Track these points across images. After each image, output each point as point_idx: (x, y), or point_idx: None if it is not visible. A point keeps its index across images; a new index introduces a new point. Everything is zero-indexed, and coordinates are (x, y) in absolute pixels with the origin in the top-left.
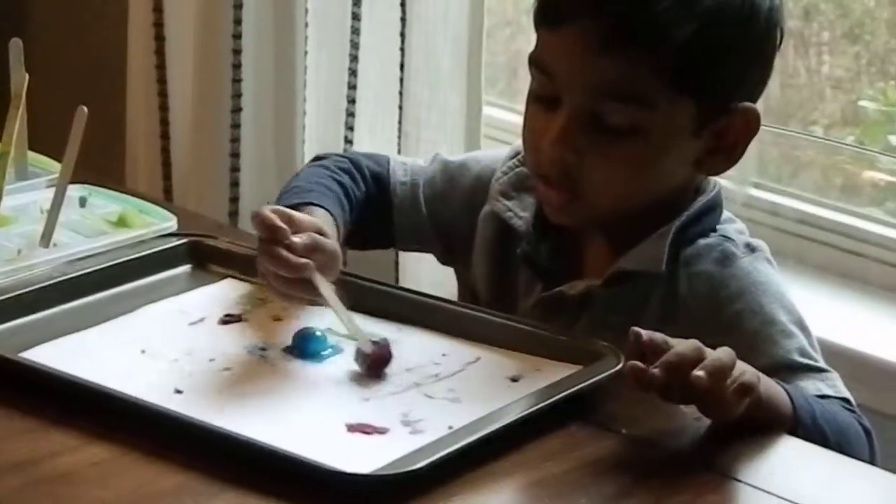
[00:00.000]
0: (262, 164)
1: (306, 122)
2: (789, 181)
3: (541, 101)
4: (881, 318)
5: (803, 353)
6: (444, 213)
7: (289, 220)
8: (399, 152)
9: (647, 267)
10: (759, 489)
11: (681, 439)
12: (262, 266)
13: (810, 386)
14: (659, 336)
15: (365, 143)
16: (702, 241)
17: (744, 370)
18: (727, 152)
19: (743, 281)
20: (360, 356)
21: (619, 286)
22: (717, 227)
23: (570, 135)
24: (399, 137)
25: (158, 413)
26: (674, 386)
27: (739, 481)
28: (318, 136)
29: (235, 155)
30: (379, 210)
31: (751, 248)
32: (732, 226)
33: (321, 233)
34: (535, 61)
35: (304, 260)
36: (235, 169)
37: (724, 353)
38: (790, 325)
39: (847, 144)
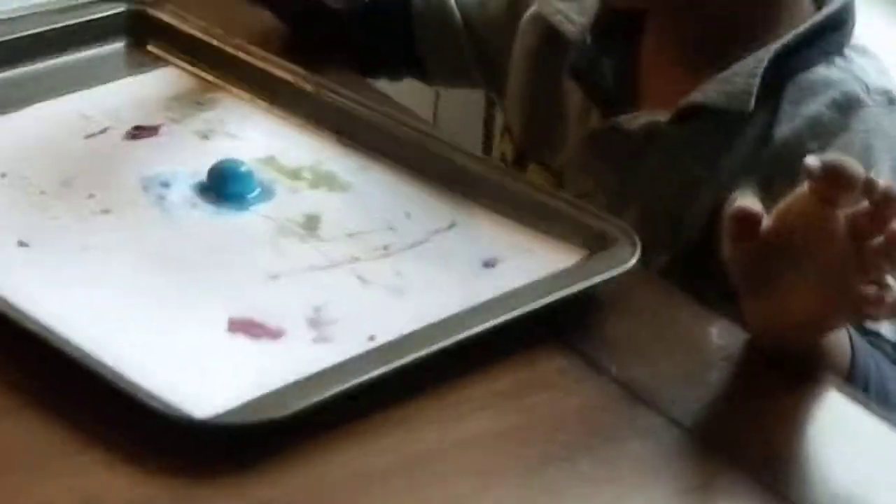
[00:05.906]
0: None
1: None
2: None
3: None
4: None
5: None
6: (479, 15)
7: None
8: None
9: (728, 103)
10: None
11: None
12: None
13: None
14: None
15: None
16: (817, 72)
17: None
18: None
19: (863, 134)
20: None
21: (695, 122)
22: (843, 54)
23: None
24: None
25: None
26: None
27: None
28: None
29: None
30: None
31: (890, 99)
32: (867, 60)
33: None
34: None
35: None
36: None
37: None
38: None
39: None
